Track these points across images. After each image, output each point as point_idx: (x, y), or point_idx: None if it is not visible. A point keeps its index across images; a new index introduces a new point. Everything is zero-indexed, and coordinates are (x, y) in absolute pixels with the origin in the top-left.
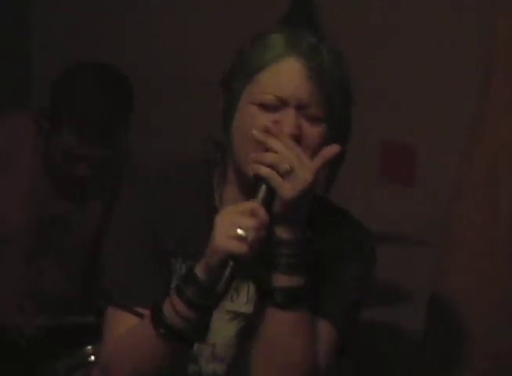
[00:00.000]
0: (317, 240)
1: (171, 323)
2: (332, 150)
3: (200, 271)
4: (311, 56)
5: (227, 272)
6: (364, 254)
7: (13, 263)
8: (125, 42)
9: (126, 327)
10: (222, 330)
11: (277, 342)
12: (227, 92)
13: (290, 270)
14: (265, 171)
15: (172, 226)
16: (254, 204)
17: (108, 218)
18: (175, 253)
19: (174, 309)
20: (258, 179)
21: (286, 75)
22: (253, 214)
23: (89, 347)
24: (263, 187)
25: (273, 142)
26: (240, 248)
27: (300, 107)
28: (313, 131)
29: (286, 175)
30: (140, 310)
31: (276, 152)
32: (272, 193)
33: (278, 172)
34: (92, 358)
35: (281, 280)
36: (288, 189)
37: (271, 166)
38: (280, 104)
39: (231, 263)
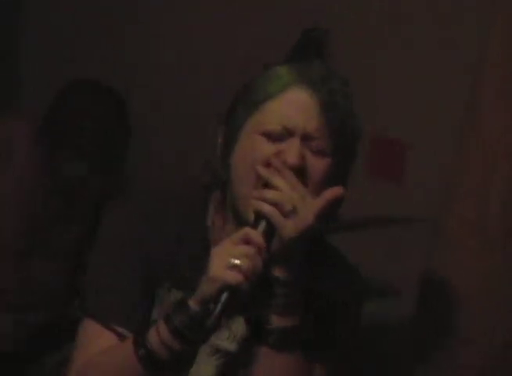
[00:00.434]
0: (312, 280)
1: (152, 349)
2: (335, 191)
3: (192, 302)
4: (321, 87)
5: (219, 305)
6: (357, 296)
7: (4, 262)
8: (125, 43)
9: (101, 343)
10: (200, 363)
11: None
12: (229, 125)
13: (287, 311)
14: (267, 208)
15: (162, 252)
16: (248, 230)
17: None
18: (162, 279)
19: (159, 336)
20: (259, 216)
21: (293, 105)
22: (247, 241)
23: None
24: (263, 223)
25: (277, 180)
26: (235, 278)
27: (306, 139)
28: (318, 165)
29: (288, 214)
30: (119, 329)
31: (280, 190)
32: (271, 230)
33: (280, 211)
34: None
35: (277, 321)
36: (289, 229)
37: (274, 204)
38: (286, 134)
39: (224, 295)
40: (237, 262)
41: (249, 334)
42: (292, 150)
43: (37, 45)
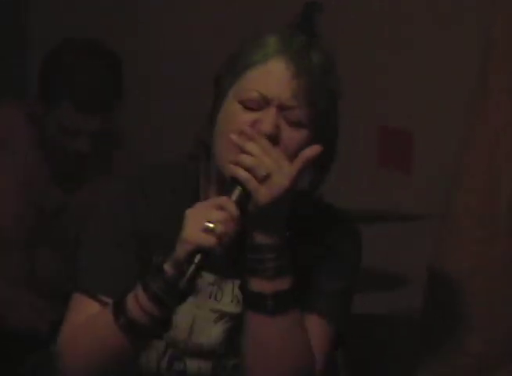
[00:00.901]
0: (301, 238)
1: (132, 316)
2: (311, 151)
3: (168, 266)
4: (300, 58)
5: (192, 266)
6: (350, 242)
7: (14, 257)
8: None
9: (87, 313)
10: (209, 329)
11: (269, 346)
12: (216, 91)
13: (278, 274)
14: (242, 174)
15: (154, 223)
16: (223, 199)
17: None
18: (156, 250)
19: (138, 302)
20: (234, 181)
21: (271, 74)
22: (222, 207)
23: None
24: (237, 189)
25: (251, 146)
26: (209, 240)
27: (282, 108)
28: (293, 135)
29: (263, 180)
30: (105, 299)
31: (254, 156)
32: (246, 195)
33: (255, 176)
34: None
35: (269, 286)
36: (263, 195)
37: (248, 170)
38: (263, 103)
39: (197, 257)
40: (211, 225)
41: (244, 302)
42: (267, 119)
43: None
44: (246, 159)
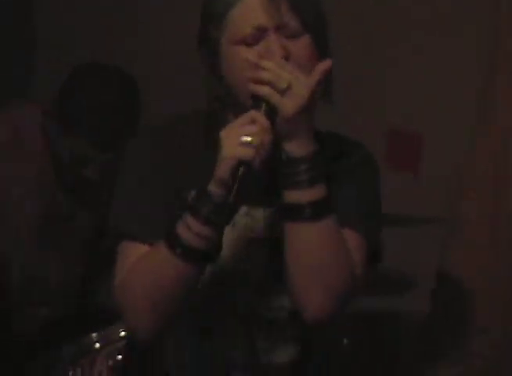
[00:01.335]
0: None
1: (189, 243)
2: (324, 65)
3: (212, 187)
4: None
5: (238, 178)
6: (369, 162)
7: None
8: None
9: (137, 256)
10: (251, 256)
11: (310, 252)
12: (207, 48)
13: (313, 184)
14: (264, 89)
15: (184, 165)
16: (252, 113)
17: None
18: (189, 187)
19: (191, 229)
20: (257, 99)
21: (253, 4)
22: (253, 121)
23: (94, 334)
24: (263, 105)
25: (268, 63)
26: (248, 153)
27: (279, 28)
28: (298, 46)
29: (284, 92)
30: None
31: (271, 71)
32: (272, 110)
33: (276, 90)
34: (97, 345)
35: (307, 195)
36: (288, 105)
37: (269, 84)
38: (260, 33)
39: (241, 169)
40: (247, 138)
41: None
42: (273, 45)
43: (48, 40)
44: (265, 74)
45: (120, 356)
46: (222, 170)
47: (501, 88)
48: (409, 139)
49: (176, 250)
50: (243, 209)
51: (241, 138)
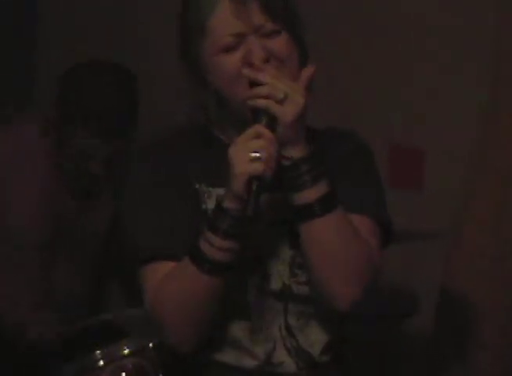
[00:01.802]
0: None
1: (214, 259)
2: (309, 70)
3: (227, 203)
4: None
5: (253, 193)
6: (363, 147)
7: (28, 268)
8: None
9: (163, 272)
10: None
11: (327, 245)
12: (189, 62)
13: (317, 181)
14: (263, 102)
15: (185, 164)
16: (256, 127)
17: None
18: (198, 180)
19: (214, 245)
20: (257, 112)
21: (226, 13)
22: (258, 136)
23: (98, 352)
24: (263, 117)
25: (262, 76)
26: (258, 168)
27: (256, 30)
28: (278, 44)
29: (282, 102)
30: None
31: (267, 83)
32: (272, 120)
33: (275, 101)
34: (101, 363)
35: (313, 193)
36: (288, 113)
37: (267, 97)
38: (239, 39)
39: (255, 184)
40: (256, 154)
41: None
42: (253, 48)
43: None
44: (262, 89)
45: (124, 374)
46: (236, 186)
47: (503, 104)
48: (411, 155)
49: (204, 266)
50: None
51: (249, 154)
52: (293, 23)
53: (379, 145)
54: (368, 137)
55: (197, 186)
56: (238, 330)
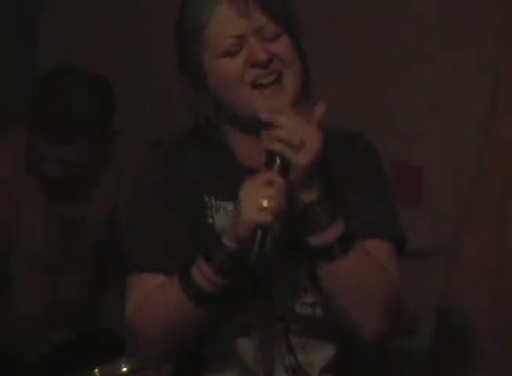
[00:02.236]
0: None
1: (200, 287)
2: (320, 110)
3: (228, 241)
4: None
5: (258, 241)
6: (370, 150)
7: (33, 279)
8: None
9: (148, 286)
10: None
11: (350, 285)
12: (190, 68)
13: (333, 220)
14: (279, 146)
15: (193, 176)
16: (269, 175)
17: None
18: (208, 192)
19: (204, 275)
20: (272, 155)
21: (226, 15)
22: (270, 183)
23: (96, 370)
24: (277, 161)
25: (280, 119)
26: (266, 218)
27: (257, 32)
28: (280, 47)
29: (297, 148)
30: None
31: (284, 127)
32: (285, 164)
33: (290, 145)
34: (124, 369)
35: (331, 234)
36: (303, 160)
37: (283, 141)
38: (241, 42)
39: (259, 233)
40: (266, 204)
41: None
42: (255, 50)
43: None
44: (281, 132)
45: None
46: (241, 231)
47: (503, 121)
48: (411, 171)
49: (188, 291)
50: None
51: (259, 202)
52: (294, 26)
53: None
54: None
55: (206, 198)
56: (239, 347)
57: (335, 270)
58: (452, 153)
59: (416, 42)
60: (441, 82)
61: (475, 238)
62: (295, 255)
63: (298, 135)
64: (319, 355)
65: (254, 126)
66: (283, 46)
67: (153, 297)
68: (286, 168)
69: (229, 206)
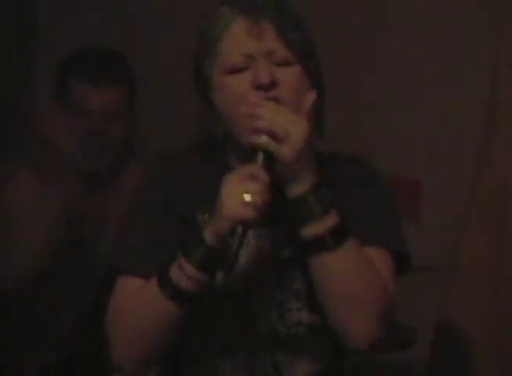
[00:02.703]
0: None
1: (179, 285)
2: (309, 97)
3: (209, 236)
4: (263, 10)
5: (236, 238)
6: (372, 172)
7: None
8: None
9: (128, 289)
10: (265, 276)
11: (343, 281)
12: (201, 83)
13: (326, 212)
14: (262, 139)
15: (189, 191)
16: (253, 168)
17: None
18: (201, 210)
19: (183, 271)
20: (255, 148)
21: (240, 33)
22: (254, 178)
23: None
24: (260, 154)
25: (262, 111)
26: (249, 214)
27: (267, 55)
28: (288, 73)
29: (282, 140)
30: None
31: (267, 119)
32: (270, 157)
33: (274, 138)
34: None
35: (324, 225)
36: (287, 152)
37: (266, 133)
38: (249, 61)
39: (239, 229)
40: (249, 199)
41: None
42: (260, 70)
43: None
44: (262, 124)
45: None
46: (221, 227)
47: (501, 137)
48: (409, 187)
49: (166, 290)
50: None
51: (242, 197)
52: (308, 56)
53: None
54: None
55: (200, 216)
56: (225, 365)
57: (326, 265)
58: (451, 170)
59: (418, 60)
60: (442, 100)
61: (474, 255)
62: (279, 273)
63: (281, 125)
64: (307, 371)
65: (248, 153)
66: (290, 73)
67: (131, 300)
68: (271, 161)
69: None
